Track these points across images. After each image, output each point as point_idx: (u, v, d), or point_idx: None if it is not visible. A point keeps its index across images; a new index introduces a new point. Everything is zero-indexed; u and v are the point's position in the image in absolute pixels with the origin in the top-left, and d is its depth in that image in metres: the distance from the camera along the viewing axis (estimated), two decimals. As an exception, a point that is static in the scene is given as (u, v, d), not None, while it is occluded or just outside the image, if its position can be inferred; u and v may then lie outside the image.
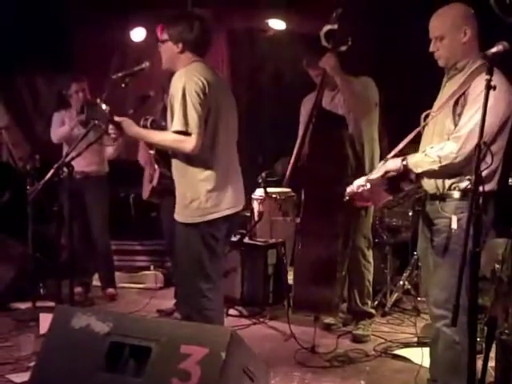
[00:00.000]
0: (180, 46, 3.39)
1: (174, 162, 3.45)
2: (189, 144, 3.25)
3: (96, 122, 3.55)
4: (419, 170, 3.10)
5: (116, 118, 3.39)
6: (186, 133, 3.25)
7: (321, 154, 4.17)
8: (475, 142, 2.59)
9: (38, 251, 5.40)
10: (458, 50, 3.08)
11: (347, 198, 3.38)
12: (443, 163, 3.00)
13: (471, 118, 2.93)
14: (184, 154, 3.33)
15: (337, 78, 4.23)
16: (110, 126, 3.46)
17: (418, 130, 3.21)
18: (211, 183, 3.35)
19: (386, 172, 3.17)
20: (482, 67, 2.96)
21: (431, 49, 3.14)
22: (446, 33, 3.08)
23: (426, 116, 3.24)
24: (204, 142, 3.28)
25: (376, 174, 3.23)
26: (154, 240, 6.16)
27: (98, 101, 3.39)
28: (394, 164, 3.16)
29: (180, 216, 3.43)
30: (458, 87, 3.05)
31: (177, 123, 3.26)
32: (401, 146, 3.22)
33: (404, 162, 3.12)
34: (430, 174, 3.09)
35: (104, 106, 3.38)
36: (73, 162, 3.80)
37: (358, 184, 3.28)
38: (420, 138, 3.26)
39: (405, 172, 3.14)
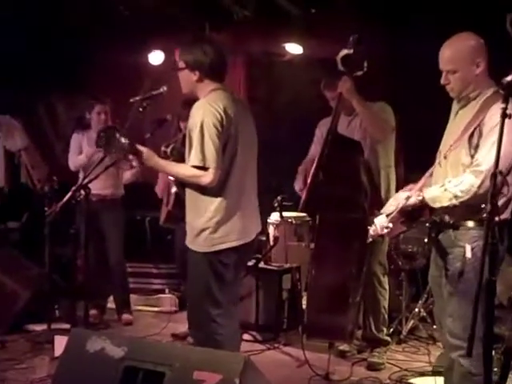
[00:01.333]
0: (197, 73, 3.41)
1: (188, 192, 3.47)
2: (206, 178, 3.29)
3: (113, 155, 3.59)
4: (437, 205, 3.04)
5: (138, 148, 3.41)
6: (203, 167, 3.28)
7: (335, 179, 4.17)
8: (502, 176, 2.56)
9: (55, 273, 5.43)
10: (471, 82, 3.05)
11: (370, 240, 3.35)
12: (464, 198, 2.94)
13: (490, 150, 2.85)
14: (199, 186, 3.36)
15: (353, 101, 4.26)
16: (131, 157, 3.49)
17: (436, 165, 3.17)
18: (221, 215, 3.36)
19: (403, 207, 3.13)
20: (496, 95, 2.94)
21: (442, 81, 3.10)
22: (459, 67, 3.03)
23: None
24: (220, 173, 3.31)
25: (392, 209, 3.17)
26: (169, 263, 6.16)
27: (118, 135, 3.39)
28: (412, 200, 3.09)
29: (190, 243, 3.47)
30: (472, 117, 3.01)
31: (194, 158, 3.29)
32: (420, 183, 3.18)
33: (420, 197, 3.06)
34: (448, 208, 3.03)
35: (123, 140, 3.38)
36: (89, 185, 3.83)
37: (382, 225, 3.19)
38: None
39: (421, 206, 3.10)
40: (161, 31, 6.48)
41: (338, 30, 5.42)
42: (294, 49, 6.68)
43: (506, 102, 2.54)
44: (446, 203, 3.00)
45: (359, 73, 4.25)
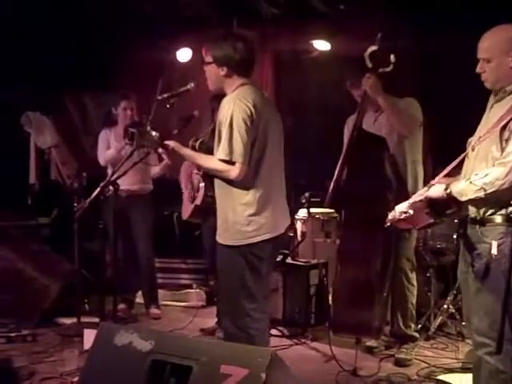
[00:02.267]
0: (225, 69, 3.41)
1: (217, 184, 3.48)
2: (232, 173, 3.30)
3: (146, 150, 3.63)
4: (464, 198, 2.99)
5: (165, 142, 3.46)
6: (230, 161, 3.30)
7: (360, 174, 4.16)
8: None
9: (84, 268, 5.49)
10: (505, 73, 3.02)
11: (388, 224, 3.33)
12: (489, 191, 2.89)
13: None
14: (228, 180, 3.37)
15: (378, 98, 4.25)
16: (160, 150, 3.53)
17: (463, 155, 3.14)
18: (253, 208, 3.36)
19: (428, 198, 3.11)
20: None
21: (478, 70, 3.09)
22: (494, 56, 3.01)
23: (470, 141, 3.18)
24: (249, 168, 3.32)
25: (417, 198, 3.18)
26: (196, 258, 6.20)
27: (148, 128, 3.44)
28: (436, 192, 3.05)
29: (221, 238, 3.47)
30: (506, 111, 2.97)
31: (221, 152, 3.31)
32: (446, 171, 3.17)
33: (447, 191, 3.01)
34: (476, 201, 2.99)
35: (154, 133, 3.44)
36: (118, 181, 3.86)
37: (401, 210, 3.19)
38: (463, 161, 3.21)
39: (448, 200, 3.07)
40: (188, 28, 6.51)
41: (365, 26, 5.41)
42: (322, 46, 6.67)
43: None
44: (472, 196, 2.95)
45: (387, 69, 4.23)
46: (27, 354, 4.49)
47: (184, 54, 6.78)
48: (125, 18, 6.37)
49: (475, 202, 3.01)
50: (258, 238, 3.38)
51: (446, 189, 3.03)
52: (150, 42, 6.56)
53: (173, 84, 3.89)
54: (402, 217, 3.17)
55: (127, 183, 5.16)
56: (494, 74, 3.05)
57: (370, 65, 4.25)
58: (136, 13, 6.37)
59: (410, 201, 3.20)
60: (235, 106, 3.30)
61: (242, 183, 3.35)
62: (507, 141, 2.94)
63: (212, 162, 3.40)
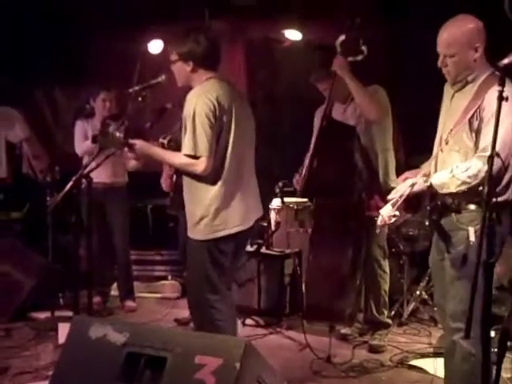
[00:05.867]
0: (190, 64, 3.43)
1: (185, 179, 3.51)
2: (198, 167, 3.34)
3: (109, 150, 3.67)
4: (445, 191, 3.03)
5: (130, 141, 3.49)
6: (195, 156, 3.32)
7: (330, 163, 4.20)
8: (503, 159, 2.56)
9: (58, 262, 5.46)
10: (468, 66, 3.03)
11: (378, 230, 3.35)
12: (472, 183, 2.93)
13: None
14: (195, 174, 3.40)
15: (346, 79, 4.26)
16: (126, 149, 3.55)
17: (437, 151, 3.15)
18: (219, 201, 3.40)
19: (409, 195, 3.13)
20: (493, 78, 2.93)
21: (439, 64, 3.08)
22: (457, 51, 3.00)
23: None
24: (214, 162, 3.35)
25: (398, 196, 3.16)
26: (171, 250, 6.21)
27: (111, 129, 3.47)
28: (418, 187, 3.09)
29: (190, 232, 3.51)
30: (471, 100, 3.00)
31: (186, 147, 3.35)
32: (425, 169, 3.19)
33: (427, 183, 3.06)
34: (457, 193, 3.02)
35: (118, 134, 3.46)
36: (94, 173, 3.86)
37: (390, 215, 3.16)
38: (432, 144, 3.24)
39: (428, 192, 3.10)
40: (160, 19, 6.47)
41: (336, 15, 5.43)
42: (293, 35, 6.67)
43: (502, 84, 2.55)
44: (454, 189, 2.99)
45: (358, 58, 4.27)
46: (1, 349, 4.49)
47: (155, 46, 6.73)
48: (96, 9, 6.31)
49: (455, 193, 3.03)
50: (224, 233, 3.42)
51: (425, 181, 3.06)
52: (121, 34, 6.51)
53: (146, 77, 3.88)
54: (392, 221, 3.17)
55: (103, 176, 5.20)
56: (456, 68, 3.04)
57: (340, 53, 4.27)
58: (108, 5, 6.31)
59: (392, 201, 3.17)
60: (198, 101, 3.33)
61: (209, 177, 3.38)
62: (477, 132, 2.97)
63: (179, 158, 3.43)
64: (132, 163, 5.59)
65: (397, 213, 3.15)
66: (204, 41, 3.42)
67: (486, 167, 2.85)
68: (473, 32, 3.01)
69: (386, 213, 3.19)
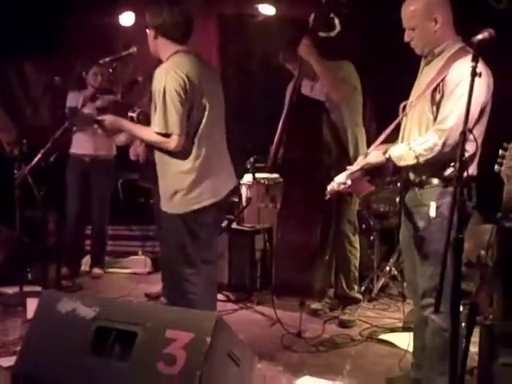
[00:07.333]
0: (152, 32, 3.41)
1: (157, 155, 3.49)
2: (170, 144, 3.33)
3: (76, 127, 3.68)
4: (402, 164, 3.07)
5: (98, 118, 3.51)
6: (166, 134, 3.30)
7: (298, 139, 4.20)
8: (459, 133, 2.57)
9: (26, 236, 5.39)
10: (431, 38, 3.05)
11: (328, 196, 3.37)
12: (428, 156, 2.96)
13: (453, 109, 2.89)
14: (166, 151, 3.38)
15: (311, 61, 4.23)
16: (96, 126, 3.53)
17: (396, 121, 3.18)
18: (193, 175, 3.39)
19: (367, 165, 3.17)
20: (460, 52, 2.96)
21: (406, 39, 3.11)
22: (417, 24, 3.03)
23: (405, 106, 3.22)
24: (186, 137, 3.33)
25: (356, 167, 3.22)
26: (142, 225, 6.19)
27: (79, 106, 3.48)
28: (375, 157, 3.14)
29: (165, 206, 3.50)
30: (435, 73, 3.01)
31: (157, 124, 3.32)
32: (380, 139, 3.21)
33: (386, 155, 3.09)
34: (414, 166, 3.05)
35: (86, 110, 3.48)
36: (78, 145, 3.83)
37: (339, 182, 3.25)
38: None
39: (387, 164, 3.13)
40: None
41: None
42: (267, 10, 6.61)
43: (475, 60, 2.55)
44: (410, 162, 3.02)
45: (332, 34, 4.23)
46: (-31, 325, 4.42)
47: (127, 18, 6.63)
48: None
49: (413, 166, 3.06)
50: (200, 205, 3.42)
51: (384, 153, 3.08)
52: (92, 5, 6.39)
53: (117, 48, 3.83)
54: (340, 188, 3.21)
55: (86, 148, 5.37)
56: (420, 41, 3.08)
57: (314, 28, 4.23)
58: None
59: (348, 171, 3.24)
60: (168, 77, 3.29)
61: (181, 152, 3.37)
62: (438, 104, 2.98)
63: (150, 135, 3.40)
64: (119, 138, 5.53)
65: (348, 181, 3.20)
66: (175, 13, 3.38)
67: (441, 141, 2.91)
68: (428, 4, 3.03)
69: (338, 180, 3.26)
